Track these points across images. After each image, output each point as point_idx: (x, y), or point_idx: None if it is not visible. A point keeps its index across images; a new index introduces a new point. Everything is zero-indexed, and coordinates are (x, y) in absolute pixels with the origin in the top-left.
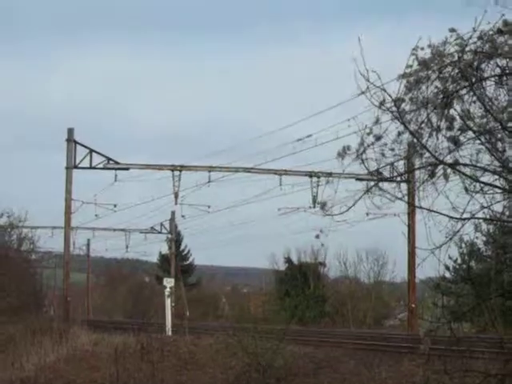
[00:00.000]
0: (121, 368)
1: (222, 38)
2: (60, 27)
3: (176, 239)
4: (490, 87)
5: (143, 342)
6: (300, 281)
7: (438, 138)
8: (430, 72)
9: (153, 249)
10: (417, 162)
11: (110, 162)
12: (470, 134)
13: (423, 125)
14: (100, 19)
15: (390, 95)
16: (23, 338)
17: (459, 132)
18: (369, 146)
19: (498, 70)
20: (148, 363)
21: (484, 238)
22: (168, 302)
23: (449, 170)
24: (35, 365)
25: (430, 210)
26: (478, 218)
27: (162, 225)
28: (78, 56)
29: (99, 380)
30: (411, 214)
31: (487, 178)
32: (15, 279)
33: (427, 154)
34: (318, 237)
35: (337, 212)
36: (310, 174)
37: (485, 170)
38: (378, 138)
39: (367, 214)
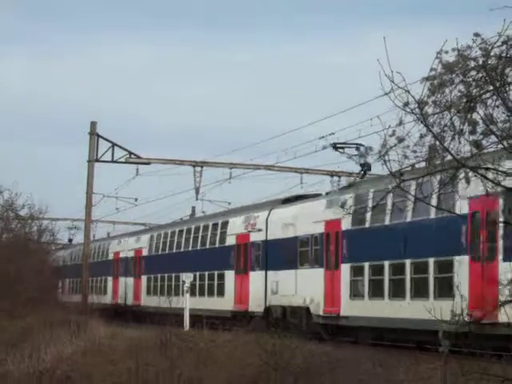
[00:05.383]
0: (139, 362)
1: (246, 31)
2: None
3: None
4: None
5: (162, 337)
6: None
7: (460, 142)
8: (453, 76)
9: None
10: (438, 165)
11: (132, 156)
12: (493, 138)
13: (446, 128)
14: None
15: (413, 97)
16: (41, 330)
17: (482, 136)
18: (391, 147)
19: None
20: (166, 358)
21: None
22: (187, 296)
23: (470, 174)
24: (53, 357)
25: (450, 212)
26: (503, 223)
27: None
28: (97, 50)
29: (117, 373)
30: None
31: (509, 182)
32: (34, 271)
33: (449, 157)
34: None
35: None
36: (331, 174)
37: (507, 174)
38: (401, 139)
39: None
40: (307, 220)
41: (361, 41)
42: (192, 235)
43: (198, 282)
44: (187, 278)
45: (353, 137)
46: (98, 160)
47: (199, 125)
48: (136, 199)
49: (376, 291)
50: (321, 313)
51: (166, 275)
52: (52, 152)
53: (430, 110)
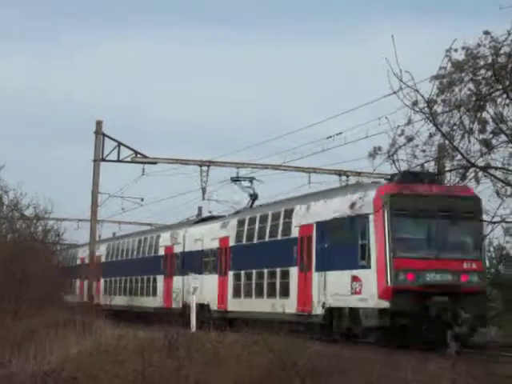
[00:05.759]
0: (146, 363)
1: (249, 28)
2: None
3: None
4: None
5: (170, 338)
6: None
7: (470, 141)
8: (463, 74)
9: None
10: (448, 164)
11: (138, 155)
12: (503, 137)
13: (455, 127)
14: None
15: (422, 96)
16: (46, 331)
17: (492, 135)
18: (400, 147)
19: None
20: (173, 359)
21: None
22: (194, 297)
23: (480, 173)
24: (58, 358)
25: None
26: (508, 222)
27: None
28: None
29: (123, 375)
30: None
31: None
32: (40, 271)
33: (459, 157)
34: None
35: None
36: (339, 173)
37: None
38: (410, 139)
39: None
40: (209, 237)
41: (366, 39)
42: (136, 245)
43: (139, 284)
44: (194, 279)
45: (360, 136)
46: (103, 159)
47: (204, 124)
48: (142, 199)
49: (247, 292)
50: (216, 308)
51: (117, 278)
52: (55, 151)
53: (439, 108)
